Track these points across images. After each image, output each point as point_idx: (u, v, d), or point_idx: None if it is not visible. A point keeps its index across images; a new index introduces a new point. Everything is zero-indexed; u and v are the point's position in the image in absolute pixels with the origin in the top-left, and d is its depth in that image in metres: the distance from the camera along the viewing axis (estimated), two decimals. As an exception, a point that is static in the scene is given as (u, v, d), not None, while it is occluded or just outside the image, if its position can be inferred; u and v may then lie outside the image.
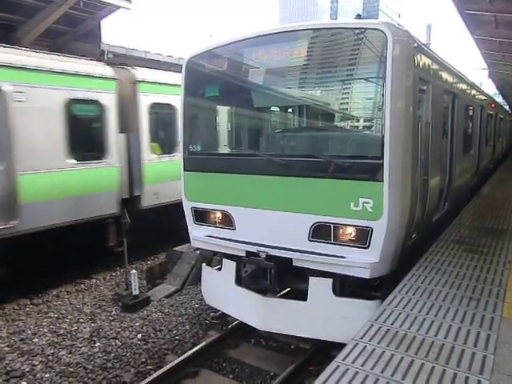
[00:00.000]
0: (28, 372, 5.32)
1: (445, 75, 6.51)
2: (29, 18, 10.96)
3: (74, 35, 12.52)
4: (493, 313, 3.72)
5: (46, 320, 6.76)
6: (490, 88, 31.37)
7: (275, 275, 5.15)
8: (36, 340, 6.11)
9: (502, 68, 17.24)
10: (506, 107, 31.45)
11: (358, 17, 5.25)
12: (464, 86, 8.35)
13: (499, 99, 29.65)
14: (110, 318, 6.83)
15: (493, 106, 14.73)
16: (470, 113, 9.52)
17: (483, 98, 11.99)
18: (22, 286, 7.71)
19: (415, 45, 4.68)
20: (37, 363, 5.51)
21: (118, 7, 11.96)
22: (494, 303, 3.92)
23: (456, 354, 3.06)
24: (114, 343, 5.99)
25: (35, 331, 6.38)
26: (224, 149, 6.33)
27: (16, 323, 6.67)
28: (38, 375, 5.26)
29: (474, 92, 9.91)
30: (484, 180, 12.51)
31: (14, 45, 9.35)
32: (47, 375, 5.26)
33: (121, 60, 11.61)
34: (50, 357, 5.66)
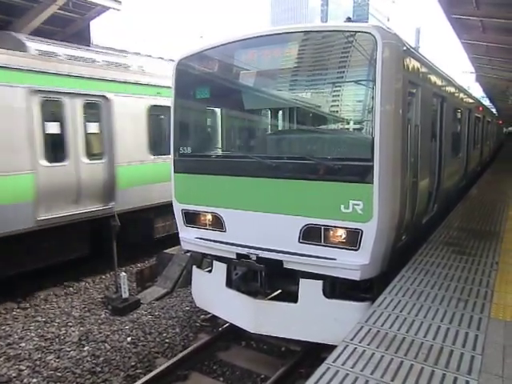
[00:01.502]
0: (15, 377, 5.24)
1: (433, 78, 6.59)
2: (17, 18, 10.83)
3: (64, 36, 12.40)
4: (481, 313, 3.76)
5: (33, 324, 6.67)
6: (478, 91, 31.77)
7: (266, 277, 5.15)
8: (23, 344, 6.01)
9: (488, 72, 17.50)
10: (493, 110, 31.94)
11: (349, 20, 5.28)
12: (452, 90, 8.46)
13: (486, 102, 30.08)
14: (99, 321, 6.75)
15: (480, 109, 14.94)
16: (459, 116, 9.64)
17: (471, 101, 12.15)
18: (8, 289, 7.59)
19: (404, 48, 4.72)
20: (24, 368, 5.42)
21: (108, 8, 11.90)
22: (481, 304, 3.96)
23: (445, 355, 3.08)
24: (103, 347, 5.92)
25: (22, 335, 6.28)
26: (215, 151, 6.32)
27: (3, 327, 6.56)
28: (25, 380, 5.18)
29: (462, 95, 10.04)
30: (472, 182, 12.67)
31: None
32: (34, 380, 5.18)
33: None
34: (37, 361, 5.58)
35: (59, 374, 5.28)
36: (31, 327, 6.56)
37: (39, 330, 6.44)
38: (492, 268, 4.97)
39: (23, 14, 10.78)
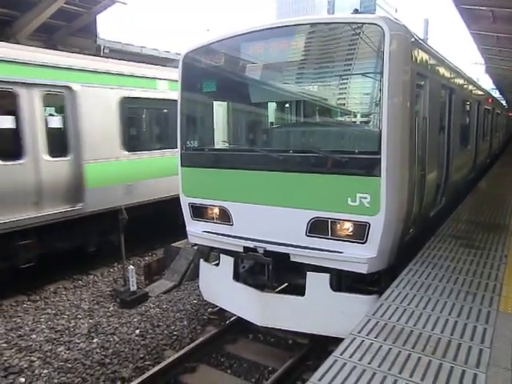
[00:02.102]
0: (26, 368, 5.32)
1: (442, 70, 6.51)
2: (24, 13, 10.87)
3: (70, 30, 12.44)
4: (489, 307, 3.74)
5: (43, 316, 6.76)
6: (487, 83, 31.36)
7: (273, 270, 5.16)
8: (34, 336, 6.10)
9: (498, 63, 17.23)
10: (503, 102, 31.50)
11: (356, 11, 5.22)
12: (461, 81, 8.35)
13: (496, 94, 29.69)
14: (108, 313, 6.83)
15: (490, 101, 14.74)
16: (467, 108, 9.53)
17: (480, 93, 11.99)
18: (19, 283, 7.70)
19: (412, 39, 4.66)
20: (35, 359, 5.51)
21: (114, 1, 11.90)
22: (490, 297, 3.94)
23: (453, 348, 3.07)
24: (112, 339, 5.99)
25: (33, 327, 6.37)
26: (222, 144, 6.31)
27: (14, 320, 6.66)
28: (36, 371, 5.26)
29: (471, 87, 9.91)
30: (481, 175, 12.55)
31: (8, 40, 9.23)
32: (45, 371, 5.26)
33: (117, 55, 11.55)
34: (47, 353, 5.66)
35: (69, 365, 5.36)
36: (41, 319, 6.65)
37: (49, 322, 6.53)
38: (501, 261, 4.93)
39: (30, 9, 10.82)
